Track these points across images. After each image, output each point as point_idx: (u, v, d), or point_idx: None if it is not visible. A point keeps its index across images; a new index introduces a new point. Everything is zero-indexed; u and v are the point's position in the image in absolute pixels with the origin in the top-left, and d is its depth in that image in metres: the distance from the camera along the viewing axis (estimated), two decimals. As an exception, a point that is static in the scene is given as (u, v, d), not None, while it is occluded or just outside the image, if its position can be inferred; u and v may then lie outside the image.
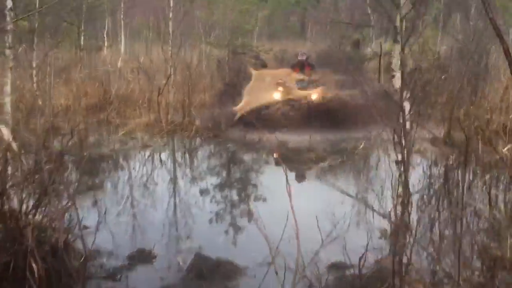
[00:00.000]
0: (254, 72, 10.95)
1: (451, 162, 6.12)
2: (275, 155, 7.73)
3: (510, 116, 8.01)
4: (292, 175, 6.72)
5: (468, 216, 4.19)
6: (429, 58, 9.10)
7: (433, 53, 10.21)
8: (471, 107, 9.33)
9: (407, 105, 4.95)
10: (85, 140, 7.78)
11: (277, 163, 7.24)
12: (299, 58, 11.50)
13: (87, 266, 4.00)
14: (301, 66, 11.33)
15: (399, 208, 4.33)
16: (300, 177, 6.88)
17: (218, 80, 12.06)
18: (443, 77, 7.25)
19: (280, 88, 9.94)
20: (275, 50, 15.83)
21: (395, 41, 4.93)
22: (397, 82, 4.97)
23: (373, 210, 1.92)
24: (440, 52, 10.78)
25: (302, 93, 10.12)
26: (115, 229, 4.85)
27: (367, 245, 2.09)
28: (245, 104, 9.62)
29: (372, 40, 16.68)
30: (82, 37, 13.90)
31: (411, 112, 5.07)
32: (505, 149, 5.36)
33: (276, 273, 2.74)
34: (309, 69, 11.26)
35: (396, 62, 4.97)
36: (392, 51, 4.96)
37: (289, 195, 2.07)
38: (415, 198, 4.80)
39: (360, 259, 2.43)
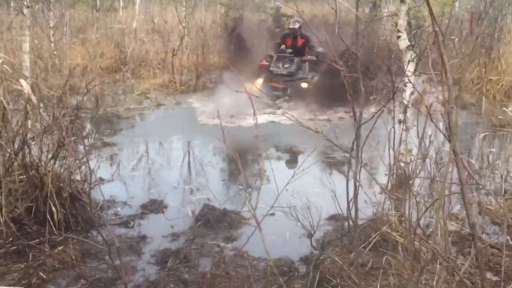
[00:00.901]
0: None
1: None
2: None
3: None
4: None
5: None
6: (440, 19, 9.00)
7: (444, 14, 10.09)
8: (484, 69, 9.33)
9: (411, 66, 5.04)
10: (100, 98, 8.01)
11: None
12: (290, 26, 9.23)
13: (103, 213, 4.32)
14: (293, 37, 9.19)
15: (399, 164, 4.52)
16: None
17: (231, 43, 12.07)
18: (453, 38, 7.22)
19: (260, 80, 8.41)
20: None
21: (402, 0, 4.94)
22: (403, 43, 5.02)
23: (334, 144, 2.05)
24: (452, 12, 10.61)
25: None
26: (129, 182, 5.15)
27: (355, 195, 2.25)
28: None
29: (391, 2, 16.41)
30: (98, -2, 14.01)
31: (416, 73, 5.18)
32: (509, 109, 5.44)
33: (273, 214, 2.94)
34: (304, 42, 9.13)
35: (402, 22, 5.01)
36: (399, 11, 4.97)
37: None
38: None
39: (348, 208, 2.61)
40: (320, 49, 8.97)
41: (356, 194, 2.10)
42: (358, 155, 2.01)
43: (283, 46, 9.17)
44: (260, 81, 8.37)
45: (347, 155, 2.28)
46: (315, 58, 8.75)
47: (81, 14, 13.68)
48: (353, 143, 2.05)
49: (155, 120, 7.71)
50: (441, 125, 2.71)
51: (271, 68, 8.59)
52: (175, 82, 9.68)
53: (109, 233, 3.11)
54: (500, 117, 6.17)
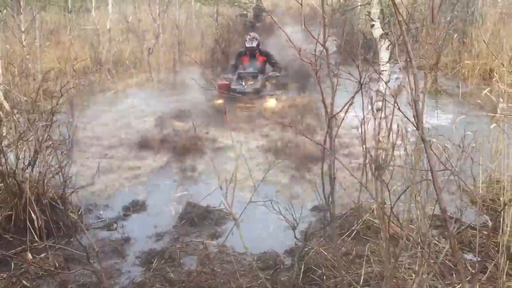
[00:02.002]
0: None
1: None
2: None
3: (495, 61, 8.12)
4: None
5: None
6: (414, 5, 9.10)
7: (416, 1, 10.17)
8: (459, 53, 9.48)
9: (386, 54, 5.10)
10: (75, 100, 7.89)
11: None
12: (248, 45, 8.32)
13: (84, 218, 4.28)
14: (251, 56, 8.37)
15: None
16: None
17: (209, 38, 12.02)
18: (419, 26, 7.26)
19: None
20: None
21: (373, -11, 4.99)
22: (376, 31, 5.07)
23: (308, 137, 2.07)
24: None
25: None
26: (109, 183, 5.10)
27: (331, 187, 2.26)
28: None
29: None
30: (69, -1, 13.81)
31: (391, 61, 5.23)
32: (484, 91, 5.53)
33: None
34: (263, 60, 8.35)
35: (375, 11, 5.05)
36: (371, 0, 5.02)
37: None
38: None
39: (328, 199, 2.64)
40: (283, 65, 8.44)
41: (332, 186, 2.12)
42: (332, 147, 2.03)
43: (240, 68, 8.26)
44: (221, 102, 7.37)
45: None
46: (278, 74, 8.12)
47: (53, 17, 13.45)
48: (325, 135, 2.06)
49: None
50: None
51: (233, 87, 7.57)
52: (152, 81, 9.61)
53: (88, 238, 3.09)
54: (479, 100, 6.27)
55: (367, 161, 3.76)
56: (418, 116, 1.59)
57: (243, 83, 7.69)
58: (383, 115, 5.19)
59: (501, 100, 4.48)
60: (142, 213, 4.53)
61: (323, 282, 3.06)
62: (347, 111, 2.14)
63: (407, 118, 1.71)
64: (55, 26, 12.65)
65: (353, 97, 2.15)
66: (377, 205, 2.16)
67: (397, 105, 1.95)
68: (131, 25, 11.33)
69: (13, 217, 3.74)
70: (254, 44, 8.24)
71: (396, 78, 5.30)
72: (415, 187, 2.35)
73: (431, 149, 1.58)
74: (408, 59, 1.59)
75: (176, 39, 10.54)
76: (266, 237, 3.97)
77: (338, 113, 2.08)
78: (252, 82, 7.73)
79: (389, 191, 2.25)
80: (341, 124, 2.19)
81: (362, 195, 3.86)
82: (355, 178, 2.20)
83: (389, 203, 2.24)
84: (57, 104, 4.19)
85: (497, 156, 4.46)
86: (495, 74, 8.11)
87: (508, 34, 8.76)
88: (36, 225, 3.67)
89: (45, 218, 3.83)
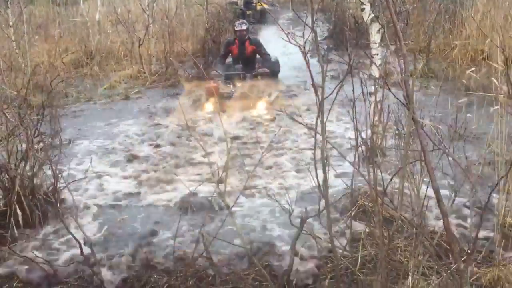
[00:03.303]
0: None
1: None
2: None
3: (487, 41, 8.12)
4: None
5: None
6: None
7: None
8: (450, 35, 9.45)
9: (377, 38, 5.08)
10: (66, 94, 7.87)
11: None
12: (237, 29, 7.88)
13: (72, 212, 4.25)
14: (240, 43, 7.89)
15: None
16: None
17: (199, 27, 11.91)
18: (407, 7, 7.20)
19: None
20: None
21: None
22: (366, 15, 5.05)
23: (298, 122, 2.07)
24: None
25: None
26: (101, 178, 5.06)
27: (324, 173, 2.25)
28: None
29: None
30: (57, -9, 13.64)
31: (383, 44, 5.22)
32: (469, 71, 5.57)
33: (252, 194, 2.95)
34: (254, 49, 7.94)
35: (365, -6, 5.03)
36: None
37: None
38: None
39: (322, 186, 2.63)
40: (274, 57, 8.24)
41: (325, 172, 2.11)
42: (323, 131, 2.02)
43: (229, 59, 8.10)
44: (209, 106, 7.14)
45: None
46: (268, 71, 7.69)
47: (41, 10, 13.29)
48: (316, 119, 2.05)
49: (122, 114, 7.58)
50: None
51: (221, 91, 7.29)
52: (144, 73, 9.52)
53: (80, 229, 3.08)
54: (472, 81, 6.28)
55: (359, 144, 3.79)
56: (408, 96, 1.59)
57: (231, 86, 7.42)
58: (375, 99, 5.22)
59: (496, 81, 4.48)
60: (137, 205, 4.51)
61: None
62: (336, 96, 2.13)
63: (397, 99, 1.70)
64: (43, 19, 12.51)
65: (342, 80, 2.14)
66: (370, 187, 2.16)
67: (388, 86, 1.94)
68: (121, 16, 11.21)
69: (7, 212, 3.73)
70: (244, 27, 7.86)
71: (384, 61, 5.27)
72: (407, 168, 2.34)
73: (423, 129, 1.57)
74: (398, 40, 1.57)
75: (167, 29, 10.43)
76: (262, 224, 3.97)
77: (328, 96, 2.06)
78: (240, 85, 7.39)
79: (381, 173, 2.25)
80: (331, 108, 2.17)
81: (356, 179, 3.89)
82: (348, 162, 2.19)
83: (382, 185, 2.24)
84: (47, 98, 4.16)
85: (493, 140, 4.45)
86: (485, 54, 8.14)
87: (498, 14, 8.74)
88: (31, 220, 3.66)
89: (39, 213, 3.83)
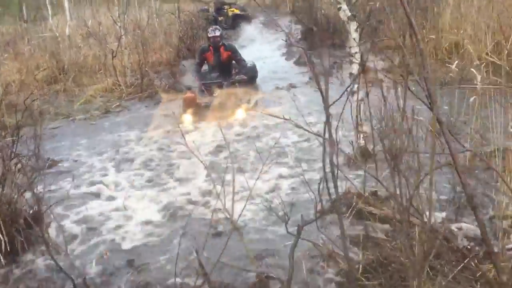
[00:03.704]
0: None
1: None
2: None
3: (461, 32, 8.22)
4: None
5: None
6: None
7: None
8: (423, 30, 9.51)
9: (356, 36, 5.04)
10: (40, 112, 7.60)
11: None
12: (210, 35, 7.74)
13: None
14: (214, 50, 7.77)
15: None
16: None
17: (172, 36, 11.75)
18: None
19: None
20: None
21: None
22: (344, 13, 5.01)
23: (304, 129, 1.98)
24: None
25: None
26: (84, 198, 4.88)
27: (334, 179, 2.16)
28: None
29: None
30: (24, 8, 13.31)
31: (362, 41, 5.17)
32: (454, 65, 5.56)
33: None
34: (229, 55, 7.82)
35: (341, -7, 4.99)
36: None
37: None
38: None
39: (318, 185, 2.56)
40: (250, 62, 8.23)
41: (335, 181, 2.02)
42: (332, 137, 1.92)
43: (205, 67, 7.99)
44: (188, 118, 6.99)
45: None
46: (245, 78, 7.59)
47: (9, 28, 12.97)
48: (324, 125, 1.95)
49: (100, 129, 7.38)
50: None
51: (198, 101, 7.19)
52: (120, 85, 9.32)
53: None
54: (451, 74, 6.28)
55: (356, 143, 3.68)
56: (431, 96, 1.49)
57: (209, 96, 7.28)
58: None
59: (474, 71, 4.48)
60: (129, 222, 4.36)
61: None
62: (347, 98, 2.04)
63: (420, 99, 1.60)
64: (11, 36, 12.20)
65: (350, 85, 2.06)
66: (394, 197, 2.03)
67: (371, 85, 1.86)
68: (92, 29, 10.99)
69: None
70: (218, 33, 7.71)
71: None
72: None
73: (448, 131, 1.48)
74: (414, 34, 1.49)
75: (140, 40, 10.25)
76: (259, 234, 3.87)
77: (336, 100, 1.98)
78: (216, 94, 7.23)
79: (377, 179, 2.16)
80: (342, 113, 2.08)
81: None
82: (365, 170, 2.09)
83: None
84: (22, 118, 3.98)
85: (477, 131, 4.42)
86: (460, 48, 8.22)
87: (467, 7, 8.85)
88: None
89: (21, 239, 3.66)
